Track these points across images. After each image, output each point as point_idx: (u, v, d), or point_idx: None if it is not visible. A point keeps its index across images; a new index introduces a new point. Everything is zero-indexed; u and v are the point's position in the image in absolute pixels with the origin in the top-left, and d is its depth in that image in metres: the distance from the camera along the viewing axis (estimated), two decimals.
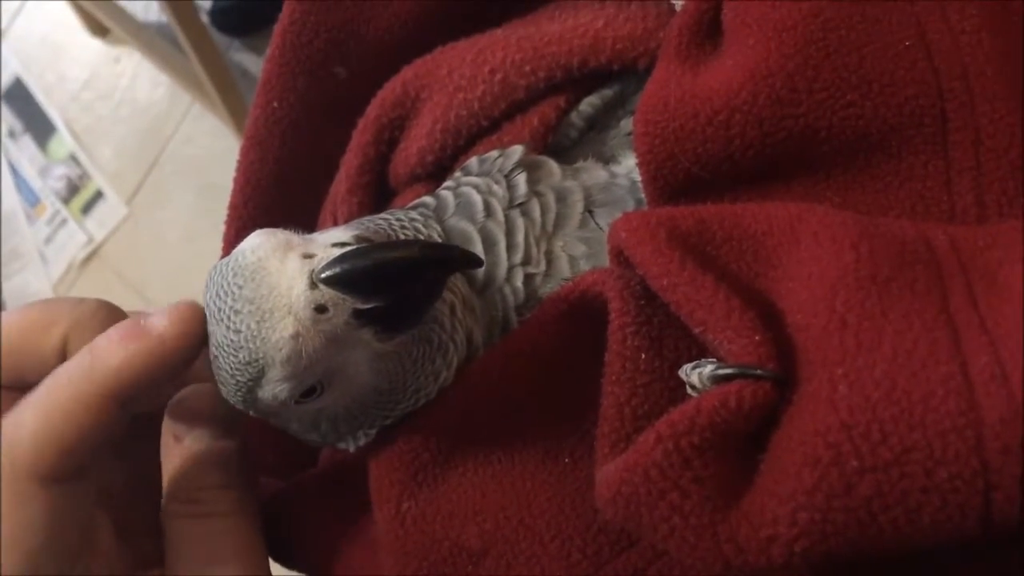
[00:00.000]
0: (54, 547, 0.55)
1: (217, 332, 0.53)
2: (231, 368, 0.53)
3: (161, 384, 0.57)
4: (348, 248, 0.52)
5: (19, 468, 0.54)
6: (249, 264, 0.52)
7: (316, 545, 0.67)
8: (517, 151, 0.66)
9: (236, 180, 0.80)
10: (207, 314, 0.55)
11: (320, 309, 0.51)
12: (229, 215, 0.81)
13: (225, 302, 0.52)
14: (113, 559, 0.63)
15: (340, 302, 0.51)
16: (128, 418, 0.57)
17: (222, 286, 0.53)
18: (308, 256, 0.52)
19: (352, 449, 0.61)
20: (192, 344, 0.55)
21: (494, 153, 0.67)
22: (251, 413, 0.57)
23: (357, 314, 0.52)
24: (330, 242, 0.54)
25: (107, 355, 0.54)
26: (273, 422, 0.60)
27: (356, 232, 0.56)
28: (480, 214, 0.63)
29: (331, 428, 0.59)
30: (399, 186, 0.73)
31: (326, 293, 0.51)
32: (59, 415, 0.54)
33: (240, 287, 0.52)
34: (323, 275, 0.51)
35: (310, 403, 0.56)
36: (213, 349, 0.54)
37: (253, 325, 0.51)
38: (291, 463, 0.75)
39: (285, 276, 0.51)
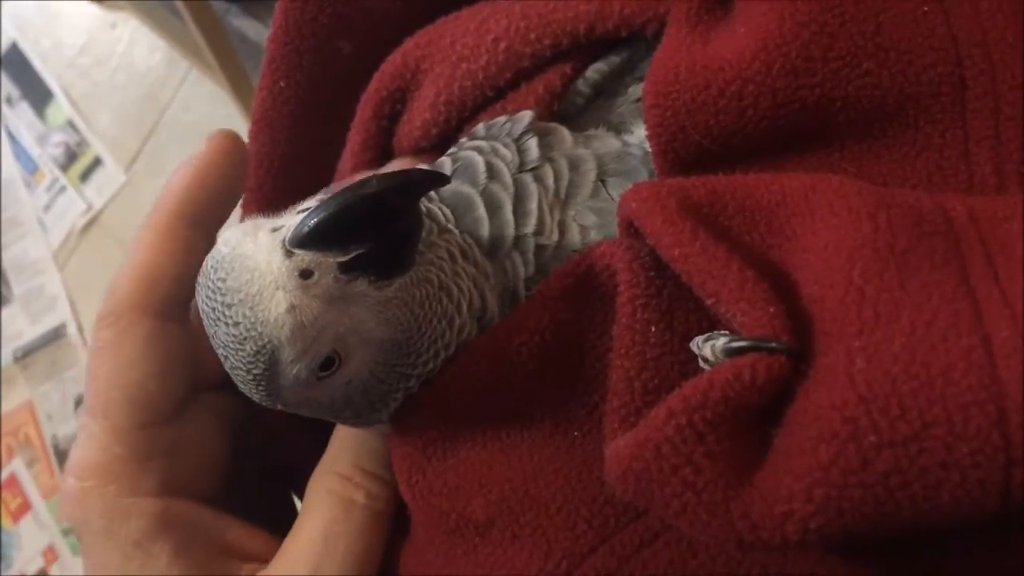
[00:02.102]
0: (146, 387, 0.61)
1: (219, 332, 0.53)
2: (244, 364, 0.53)
3: (218, 201, 0.65)
4: (310, 208, 0.51)
5: (119, 303, 0.62)
6: (225, 256, 0.52)
7: None
8: (526, 116, 0.64)
9: (248, 164, 0.79)
10: (204, 320, 0.54)
11: (305, 274, 0.50)
12: (245, 199, 0.80)
13: (215, 300, 0.52)
14: (217, 470, 0.67)
15: (321, 261, 0.51)
16: (206, 244, 0.62)
17: (208, 286, 0.52)
18: (277, 229, 0.52)
19: (385, 419, 0.60)
20: (229, 157, 0.64)
21: (502, 118, 0.65)
22: (280, 407, 0.56)
23: (344, 268, 0.51)
24: (296, 210, 0.54)
25: (167, 187, 0.63)
26: (306, 413, 0.59)
27: (323, 196, 0.55)
28: (482, 176, 0.61)
29: (364, 400, 0.58)
30: (403, 158, 0.72)
31: (304, 256, 0.50)
32: (142, 249, 0.62)
33: (223, 280, 0.51)
34: (293, 239, 0.50)
35: (334, 377, 0.55)
36: (220, 351, 0.54)
37: (248, 312, 0.51)
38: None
39: (261, 254, 0.51)
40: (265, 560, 0.64)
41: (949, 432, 0.37)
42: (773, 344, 0.43)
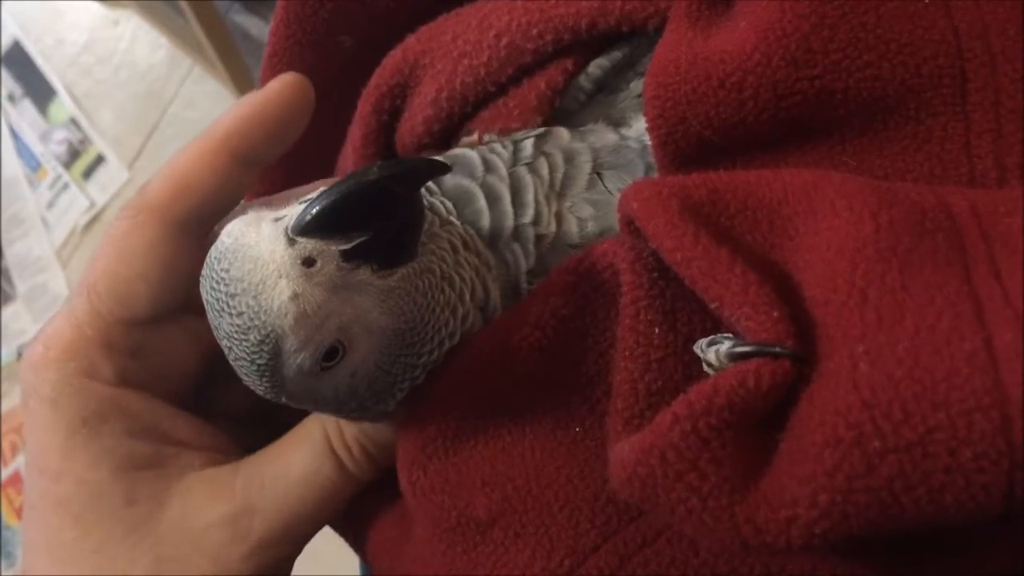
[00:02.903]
0: (135, 286, 0.61)
1: (223, 324, 0.53)
2: (248, 355, 0.53)
3: (271, 141, 0.64)
4: (313, 197, 0.51)
5: (142, 200, 0.62)
6: (228, 247, 0.52)
7: (357, 516, 0.68)
8: (538, 131, 0.65)
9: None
10: (208, 313, 0.54)
11: (308, 262, 0.51)
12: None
13: (219, 291, 0.52)
14: (180, 387, 0.67)
15: (324, 249, 0.51)
16: (245, 177, 0.64)
17: (212, 277, 0.53)
18: (279, 219, 0.52)
19: (390, 409, 0.60)
20: (290, 100, 0.63)
21: (519, 134, 0.66)
22: (284, 401, 0.56)
23: (347, 256, 0.51)
24: (298, 200, 0.54)
25: (226, 115, 0.63)
26: (310, 407, 0.59)
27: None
28: (479, 169, 0.62)
29: (369, 392, 0.58)
30: (406, 155, 0.72)
31: (306, 244, 0.51)
32: (184, 162, 0.62)
33: (227, 270, 0.51)
34: (296, 227, 0.50)
35: (339, 368, 0.55)
36: (225, 342, 0.54)
37: (251, 302, 0.51)
38: None
39: (264, 243, 0.51)
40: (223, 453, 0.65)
41: (952, 437, 0.37)
42: (777, 349, 0.43)
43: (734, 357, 0.45)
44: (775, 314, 0.43)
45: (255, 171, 0.65)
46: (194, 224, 0.62)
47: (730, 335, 0.47)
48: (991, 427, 0.36)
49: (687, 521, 0.42)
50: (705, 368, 0.48)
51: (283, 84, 0.63)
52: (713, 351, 0.46)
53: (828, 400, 0.40)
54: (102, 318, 0.61)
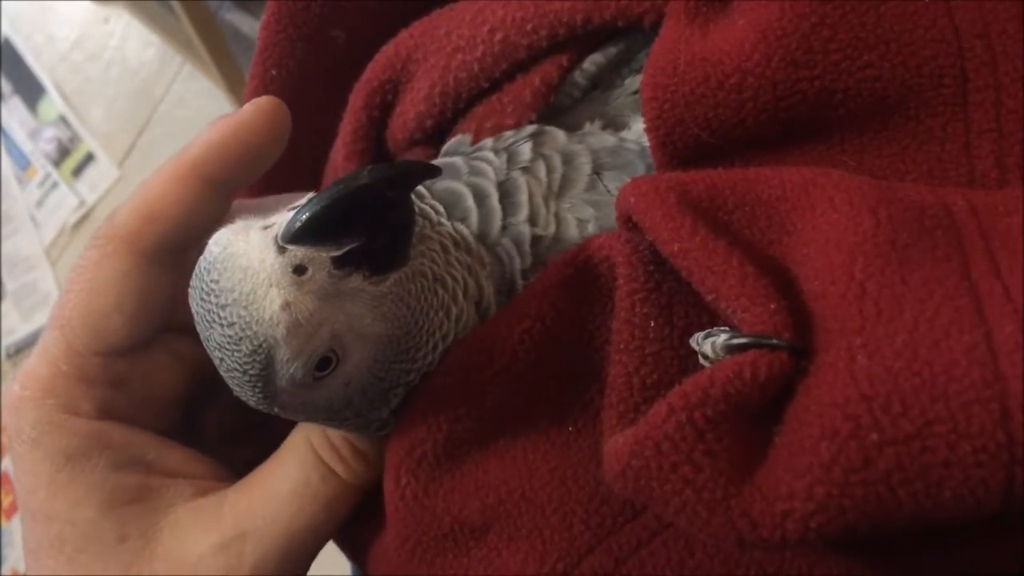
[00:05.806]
0: (109, 318, 0.60)
1: (214, 335, 0.52)
2: (240, 365, 0.52)
3: (244, 166, 0.62)
4: (302, 204, 0.50)
5: (112, 229, 0.61)
6: (217, 257, 0.51)
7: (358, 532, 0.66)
8: (530, 128, 0.64)
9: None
10: (198, 325, 0.53)
11: (299, 270, 0.50)
12: None
13: (209, 302, 0.51)
14: (167, 410, 0.65)
15: (315, 256, 0.50)
16: (218, 203, 0.62)
17: (202, 289, 0.52)
18: (268, 226, 0.51)
19: (386, 415, 0.59)
20: (267, 125, 0.61)
21: (508, 133, 0.65)
22: (276, 411, 0.56)
23: (338, 263, 0.50)
24: (287, 208, 0.53)
25: (196, 140, 0.61)
26: (302, 418, 0.58)
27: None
28: (464, 173, 0.61)
29: (363, 399, 0.57)
30: (398, 151, 0.72)
31: (297, 252, 0.50)
32: (153, 188, 0.61)
33: (216, 281, 0.51)
34: (285, 234, 0.49)
35: (332, 378, 0.54)
36: (216, 354, 0.53)
37: (243, 312, 0.50)
38: None
39: (254, 252, 0.50)
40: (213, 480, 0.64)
41: (952, 430, 0.37)
42: (774, 341, 0.43)
43: (731, 349, 0.44)
44: (772, 306, 0.43)
45: (229, 196, 0.63)
46: (165, 251, 0.61)
47: (727, 328, 0.47)
48: (991, 420, 0.36)
49: (681, 514, 0.42)
50: (701, 361, 0.48)
51: (258, 108, 0.62)
52: (709, 343, 0.46)
53: (825, 392, 0.40)
54: (77, 352, 0.60)
